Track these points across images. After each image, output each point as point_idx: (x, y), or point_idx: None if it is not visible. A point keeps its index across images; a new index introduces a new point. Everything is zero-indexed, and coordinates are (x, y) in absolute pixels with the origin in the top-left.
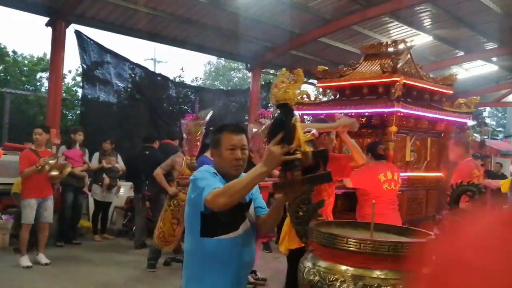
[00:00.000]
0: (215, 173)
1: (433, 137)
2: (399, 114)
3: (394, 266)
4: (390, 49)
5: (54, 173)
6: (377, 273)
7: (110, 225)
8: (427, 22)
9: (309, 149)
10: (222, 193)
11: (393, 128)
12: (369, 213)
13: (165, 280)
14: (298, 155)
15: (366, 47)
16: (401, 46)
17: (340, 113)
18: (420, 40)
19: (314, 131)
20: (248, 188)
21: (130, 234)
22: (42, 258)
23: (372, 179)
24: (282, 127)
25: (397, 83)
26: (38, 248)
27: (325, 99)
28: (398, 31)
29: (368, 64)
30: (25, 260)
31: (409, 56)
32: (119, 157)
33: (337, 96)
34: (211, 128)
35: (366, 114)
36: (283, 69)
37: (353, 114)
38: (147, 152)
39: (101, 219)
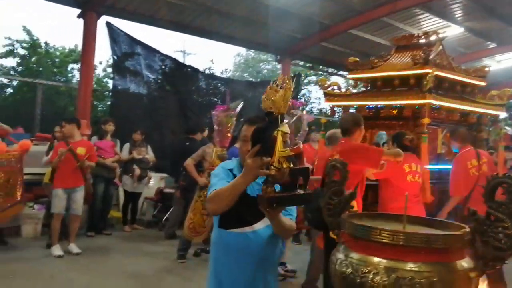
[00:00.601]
0: (230, 169)
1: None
2: (430, 106)
3: (428, 258)
4: (422, 41)
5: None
6: (410, 265)
7: (140, 215)
8: (458, 14)
9: (286, 164)
10: (212, 200)
11: (426, 120)
12: (392, 207)
13: (194, 271)
14: (272, 171)
15: (397, 39)
16: (432, 38)
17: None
18: (451, 31)
19: (299, 144)
20: (231, 198)
21: (160, 225)
22: (73, 248)
23: (397, 169)
24: (263, 137)
25: (429, 75)
26: (69, 238)
27: (355, 90)
28: (428, 22)
29: (399, 55)
30: (57, 249)
31: (440, 47)
32: (149, 148)
33: (368, 88)
34: (241, 120)
35: (397, 105)
36: (280, 76)
37: (384, 105)
38: (187, 144)
39: (131, 210)
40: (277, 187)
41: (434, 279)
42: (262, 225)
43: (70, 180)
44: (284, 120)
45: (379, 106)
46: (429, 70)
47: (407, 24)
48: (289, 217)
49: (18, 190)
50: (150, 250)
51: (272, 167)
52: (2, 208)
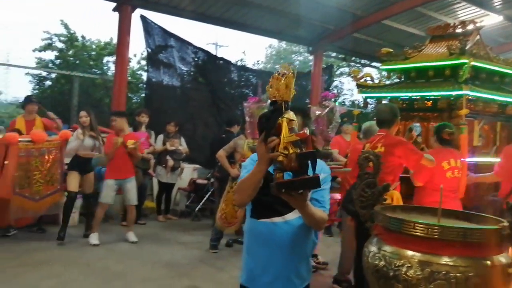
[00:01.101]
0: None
1: (503, 121)
2: (467, 97)
3: (464, 252)
4: (458, 31)
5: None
6: (445, 259)
7: (173, 206)
8: (497, 2)
9: (292, 150)
10: (236, 191)
11: (464, 111)
12: (428, 201)
13: (226, 261)
14: (279, 157)
15: (433, 29)
16: (469, 27)
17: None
18: (489, 20)
19: (305, 130)
20: (252, 187)
21: (193, 214)
22: (131, 236)
23: (436, 170)
24: (268, 125)
25: (465, 65)
26: (128, 226)
27: (389, 82)
28: (465, 12)
29: (435, 46)
30: (94, 238)
31: (478, 37)
32: (183, 140)
33: (402, 79)
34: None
35: (432, 97)
36: (284, 64)
37: (418, 97)
38: (224, 136)
39: (165, 200)
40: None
41: (470, 274)
42: (293, 216)
43: (121, 172)
44: (316, 112)
45: (413, 97)
46: (466, 60)
47: (443, 13)
48: (322, 208)
49: (58, 178)
50: (183, 239)
51: (279, 153)
52: (42, 195)
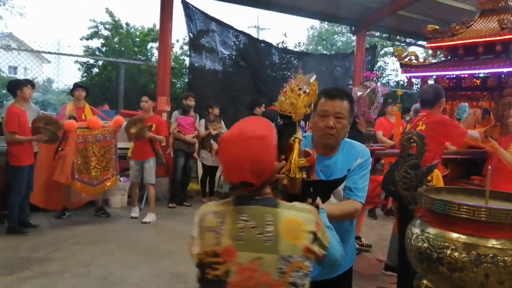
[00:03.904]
0: None
1: None
2: None
3: None
4: (511, 3)
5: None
6: (492, 242)
7: (217, 188)
8: None
9: (300, 175)
10: None
11: None
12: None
13: None
14: (284, 180)
15: (482, 2)
16: None
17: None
18: None
19: (314, 153)
20: None
21: None
22: (148, 217)
23: None
24: (279, 143)
25: None
26: (149, 205)
27: (435, 60)
28: None
29: (484, 20)
30: (134, 211)
31: None
32: (223, 123)
33: (449, 57)
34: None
35: (481, 75)
36: (299, 75)
37: (466, 75)
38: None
39: (209, 183)
40: None
41: None
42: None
43: (140, 154)
44: (358, 93)
45: (460, 76)
46: None
47: None
48: (354, 197)
49: (113, 164)
50: None
51: (285, 175)
52: (99, 181)
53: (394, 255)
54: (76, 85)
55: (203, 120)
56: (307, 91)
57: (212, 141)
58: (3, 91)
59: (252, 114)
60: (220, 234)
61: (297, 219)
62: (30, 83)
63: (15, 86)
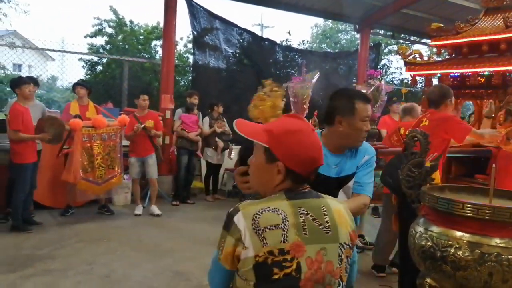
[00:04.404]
0: None
1: None
2: None
3: None
4: None
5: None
6: (496, 241)
7: (221, 186)
8: None
9: None
10: None
11: None
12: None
13: None
14: (245, 191)
15: (487, 0)
16: None
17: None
18: None
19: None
20: None
21: (240, 195)
22: (155, 209)
23: None
24: (245, 152)
25: None
26: (151, 200)
27: (439, 58)
28: None
29: (489, 18)
30: (137, 209)
31: None
32: (225, 121)
33: (453, 55)
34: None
35: (486, 73)
36: (268, 82)
37: (470, 73)
38: None
39: (213, 180)
40: None
41: None
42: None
43: (142, 150)
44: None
45: (465, 74)
46: None
47: None
48: (363, 192)
49: (118, 162)
50: None
51: (247, 187)
52: (104, 179)
53: (383, 252)
54: (75, 84)
55: (207, 118)
56: (272, 94)
57: (216, 139)
58: (8, 89)
59: None
60: (286, 230)
61: (340, 208)
62: (33, 80)
63: (15, 85)
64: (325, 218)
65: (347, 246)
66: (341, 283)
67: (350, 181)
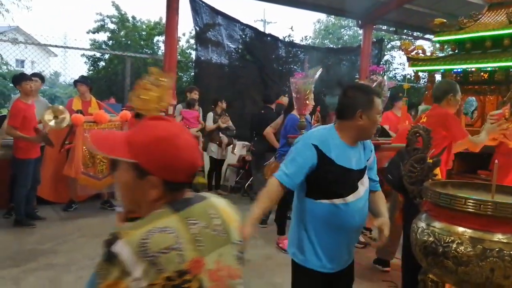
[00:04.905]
0: (315, 145)
1: None
2: None
3: None
4: None
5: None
6: (498, 236)
7: (223, 182)
8: None
9: None
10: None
11: None
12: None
13: (275, 235)
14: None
15: None
16: None
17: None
18: None
19: None
20: None
21: (242, 190)
22: None
23: None
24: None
25: None
26: None
27: (442, 54)
28: None
29: (493, 14)
30: None
31: None
32: (228, 117)
33: (456, 51)
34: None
35: (489, 69)
36: (155, 70)
37: (473, 69)
38: (263, 112)
39: (215, 176)
40: None
41: None
42: (354, 198)
43: None
44: None
45: (468, 70)
46: None
47: None
48: (379, 188)
49: None
50: None
51: None
52: (104, 174)
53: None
54: (76, 81)
55: (211, 114)
56: (160, 84)
57: (220, 135)
58: (11, 85)
59: (268, 108)
60: (182, 249)
61: (225, 205)
62: (38, 76)
63: (16, 82)
64: (215, 220)
65: (240, 242)
66: (240, 281)
67: (365, 175)
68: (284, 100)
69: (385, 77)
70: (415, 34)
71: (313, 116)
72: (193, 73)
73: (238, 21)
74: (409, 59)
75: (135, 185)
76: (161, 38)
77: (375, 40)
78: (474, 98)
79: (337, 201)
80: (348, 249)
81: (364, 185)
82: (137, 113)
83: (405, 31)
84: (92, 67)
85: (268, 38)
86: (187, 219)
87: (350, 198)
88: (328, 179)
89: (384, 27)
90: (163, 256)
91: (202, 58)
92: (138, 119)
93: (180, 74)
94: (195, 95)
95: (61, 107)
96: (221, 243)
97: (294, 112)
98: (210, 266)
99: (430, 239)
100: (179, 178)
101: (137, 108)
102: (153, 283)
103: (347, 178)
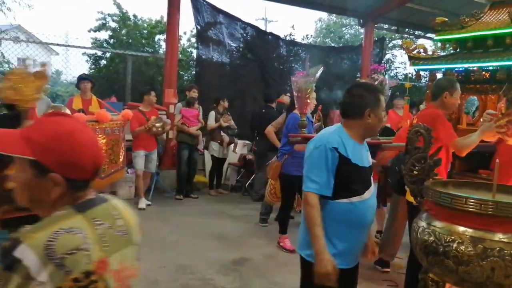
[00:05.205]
0: (335, 148)
1: None
2: None
3: None
4: None
5: (157, 129)
6: (499, 236)
7: (224, 181)
8: None
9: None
10: (307, 213)
11: None
12: None
13: (276, 234)
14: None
15: None
16: None
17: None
18: None
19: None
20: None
21: (243, 189)
22: (141, 203)
23: None
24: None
25: None
26: (138, 193)
27: (444, 53)
28: None
29: (494, 13)
30: (142, 203)
31: None
32: (230, 115)
33: (458, 50)
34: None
35: (491, 68)
36: (27, 59)
37: (475, 68)
38: (264, 111)
39: (216, 175)
40: None
41: None
42: (369, 195)
43: (148, 145)
44: None
45: (469, 68)
46: None
47: None
48: None
49: (120, 157)
50: (234, 213)
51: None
52: (107, 174)
53: (388, 247)
54: (80, 78)
55: (213, 112)
56: (38, 74)
57: (222, 133)
58: None
59: (268, 107)
60: (90, 249)
61: (125, 206)
62: None
63: None
64: (119, 222)
65: (138, 243)
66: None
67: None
68: (285, 98)
69: (387, 76)
70: (416, 33)
71: (315, 115)
72: (194, 72)
73: (239, 20)
74: (410, 58)
75: (35, 184)
76: (163, 37)
77: (376, 39)
78: (475, 97)
79: (355, 199)
80: (361, 245)
81: (373, 181)
82: (7, 105)
83: (407, 29)
84: (93, 66)
85: (269, 36)
86: (93, 220)
87: (366, 195)
88: (347, 178)
89: (386, 26)
90: (71, 257)
91: (203, 56)
92: (9, 111)
93: (181, 72)
94: (194, 93)
95: (63, 106)
96: (124, 244)
97: (296, 111)
98: (114, 266)
99: (431, 238)
100: (81, 175)
101: (7, 98)
102: (60, 286)
103: (363, 176)
